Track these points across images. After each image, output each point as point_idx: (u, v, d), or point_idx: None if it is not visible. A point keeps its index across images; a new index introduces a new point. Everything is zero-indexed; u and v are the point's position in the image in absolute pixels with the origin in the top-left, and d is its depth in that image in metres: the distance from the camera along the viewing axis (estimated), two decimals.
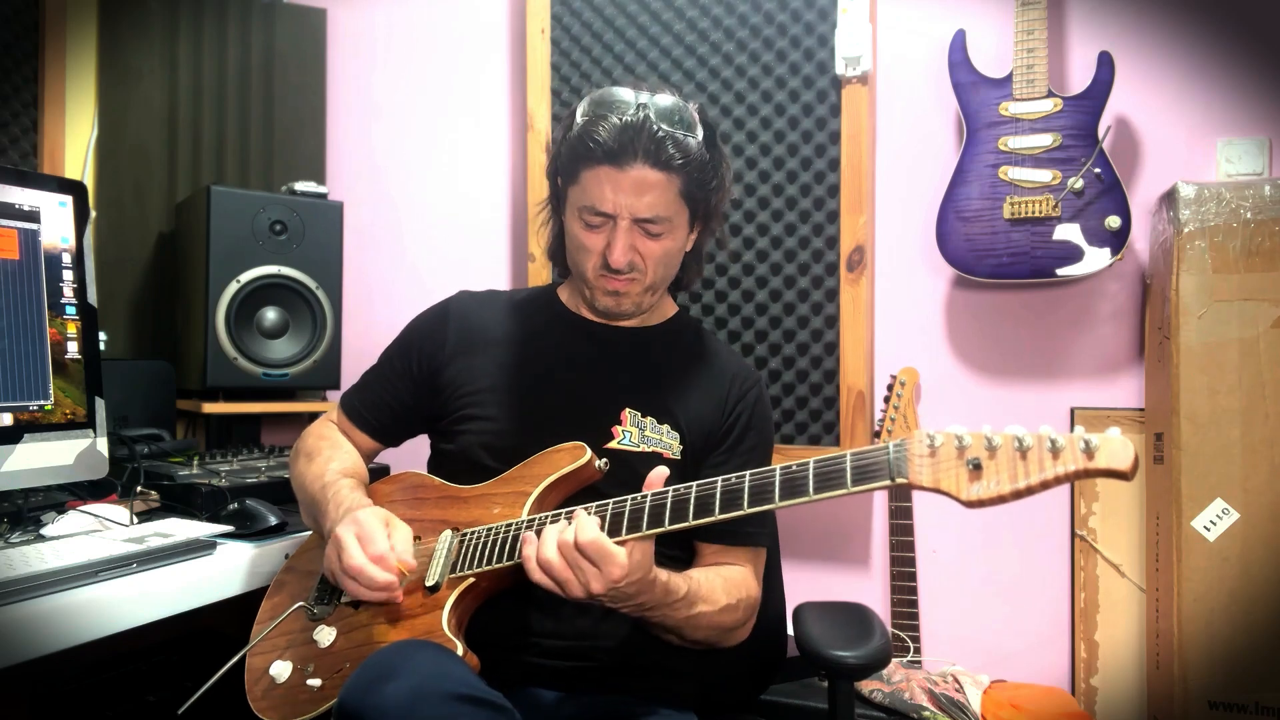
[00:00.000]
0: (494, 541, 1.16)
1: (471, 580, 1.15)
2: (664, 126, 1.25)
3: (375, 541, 1.15)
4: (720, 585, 1.25)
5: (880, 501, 2.18)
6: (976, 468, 0.87)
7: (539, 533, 1.08)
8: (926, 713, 1.78)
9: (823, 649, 1.30)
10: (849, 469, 0.95)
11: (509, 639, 1.23)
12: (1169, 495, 1.77)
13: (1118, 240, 1.87)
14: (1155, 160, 1.99)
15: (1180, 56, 1.97)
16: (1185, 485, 1.75)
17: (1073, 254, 1.89)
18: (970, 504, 0.86)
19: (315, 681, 1.15)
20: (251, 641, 1.22)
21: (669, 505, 1.06)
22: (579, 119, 1.30)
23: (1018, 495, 0.85)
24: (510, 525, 1.16)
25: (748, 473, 1.03)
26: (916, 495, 2.05)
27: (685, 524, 1.04)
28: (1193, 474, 1.74)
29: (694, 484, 1.06)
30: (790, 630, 1.47)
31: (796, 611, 1.45)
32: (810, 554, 2.23)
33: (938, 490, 0.89)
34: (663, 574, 1.13)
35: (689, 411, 1.35)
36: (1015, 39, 1.93)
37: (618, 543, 1.04)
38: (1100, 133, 1.88)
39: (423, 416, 1.44)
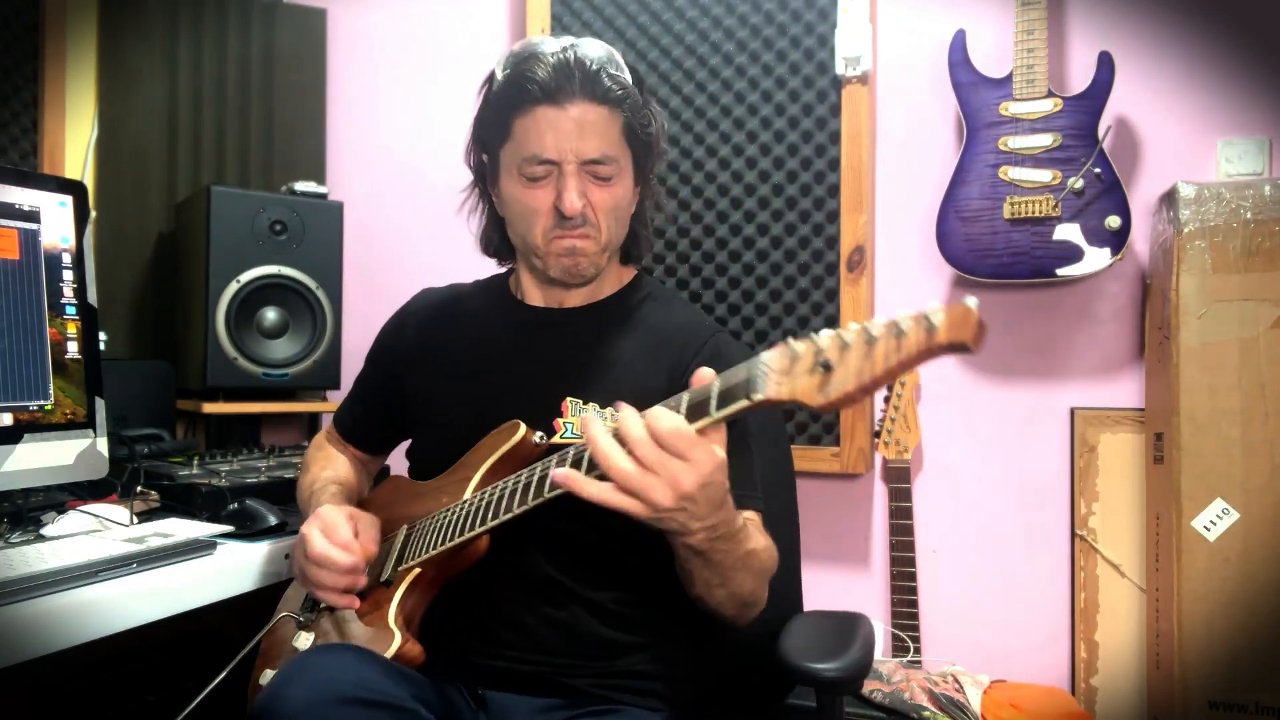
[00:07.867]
0: (436, 529, 1.18)
1: (417, 571, 1.17)
2: (596, 60, 1.21)
3: (338, 530, 1.18)
4: (752, 527, 1.17)
5: (880, 501, 2.18)
6: (827, 369, 0.83)
7: (572, 463, 1.02)
8: (926, 713, 1.78)
9: (798, 661, 1.26)
10: (714, 397, 0.93)
11: (477, 644, 1.22)
12: (1169, 495, 1.77)
13: (1118, 240, 1.87)
14: (1155, 160, 1.99)
15: (1180, 56, 1.97)
16: (1185, 485, 1.75)
17: (1073, 254, 1.89)
18: (820, 408, 0.83)
19: None
20: (243, 650, 1.23)
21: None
22: (502, 73, 1.25)
23: (865, 390, 0.80)
24: (448, 510, 1.18)
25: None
26: (915, 492, 2.06)
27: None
28: (1193, 474, 1.74)
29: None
30: None
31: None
32: (810, 554, 2.21)
33: (794, 401, 0.85)
34: None
35: (634, 389, 1.19)
36: (1015, 39, 1.93)
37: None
38: (1100, 133, 1.88)
39: (400, 428, 1.47)
